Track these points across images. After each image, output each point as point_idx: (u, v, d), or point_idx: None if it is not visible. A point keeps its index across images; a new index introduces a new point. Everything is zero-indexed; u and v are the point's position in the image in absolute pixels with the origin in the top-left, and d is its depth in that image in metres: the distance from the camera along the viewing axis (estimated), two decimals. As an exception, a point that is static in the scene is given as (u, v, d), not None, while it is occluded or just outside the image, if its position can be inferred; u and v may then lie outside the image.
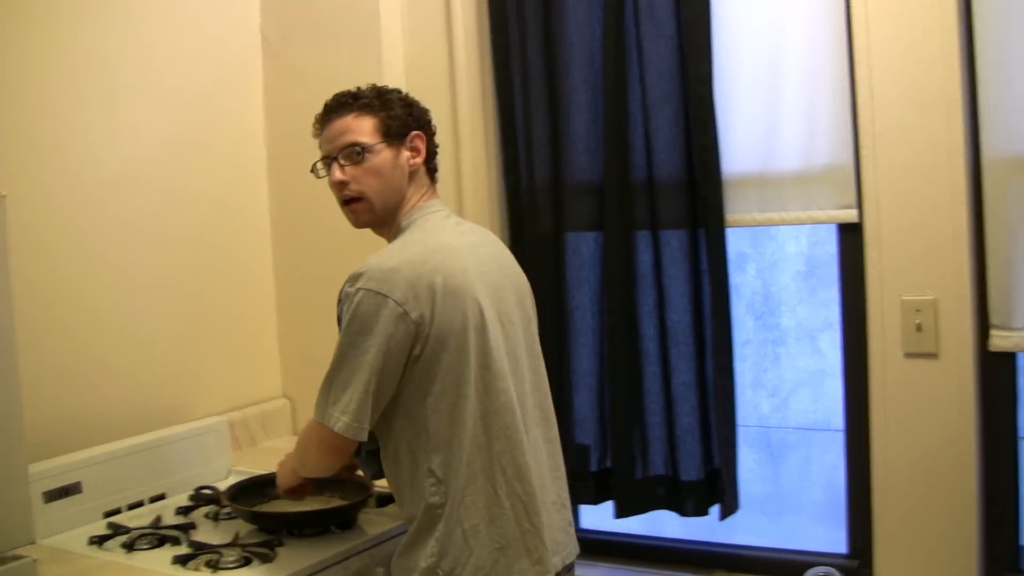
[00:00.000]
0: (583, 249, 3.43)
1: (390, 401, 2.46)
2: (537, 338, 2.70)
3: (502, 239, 3.47)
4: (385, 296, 2.36)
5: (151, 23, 3.47)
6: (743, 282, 5.84)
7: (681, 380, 3.29)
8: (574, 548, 2.65)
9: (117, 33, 3.35)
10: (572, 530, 2.66)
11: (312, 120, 2.69)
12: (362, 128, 2.58)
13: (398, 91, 2.67)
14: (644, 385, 3.32)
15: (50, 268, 3.13)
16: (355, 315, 2.39)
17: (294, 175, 3.30)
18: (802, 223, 3.24)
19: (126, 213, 3.37)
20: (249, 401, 3.73)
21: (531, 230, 3.51)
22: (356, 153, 2.57)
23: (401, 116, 2.61)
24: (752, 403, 5.97)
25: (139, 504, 3.19)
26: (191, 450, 3.37)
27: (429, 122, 2.69)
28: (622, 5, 3.28)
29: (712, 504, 3.31)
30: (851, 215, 3.11)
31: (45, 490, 2.90)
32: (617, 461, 3.36)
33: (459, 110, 3.61)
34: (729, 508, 3.25)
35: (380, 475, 2.67)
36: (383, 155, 2.58)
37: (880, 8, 2.99)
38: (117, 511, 3.11)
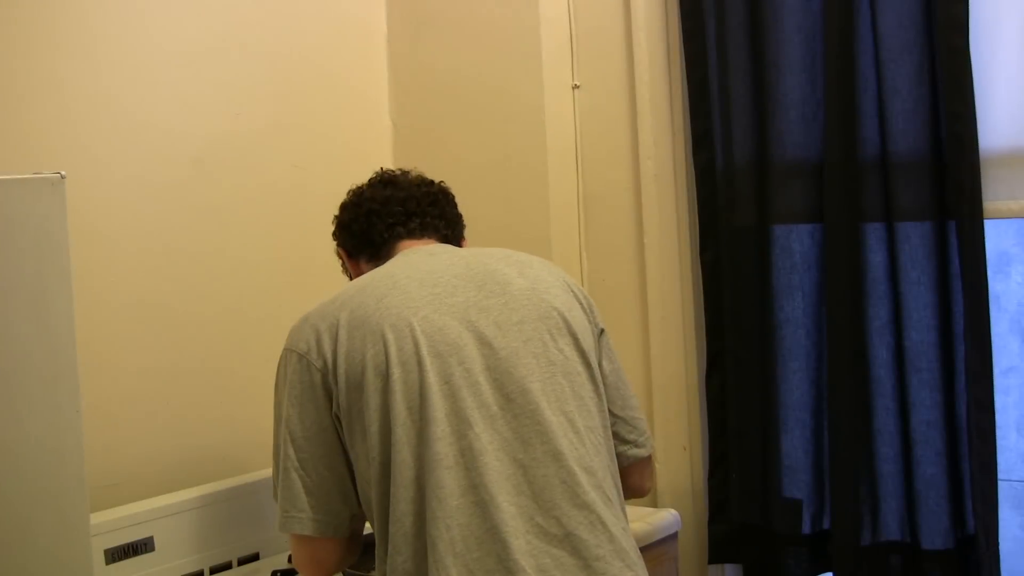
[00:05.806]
0: (795, 247, 3.13)
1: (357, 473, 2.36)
2: (561, 360, 2.34)
3: (690, 231, 3.36)
4: (290, 350, 2.35)
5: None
6: (1006, 291, 5.49)
7: (923, 418, 2.95)
8: None
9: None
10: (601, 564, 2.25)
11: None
12: None
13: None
14: (874, 423, 3.01)
15: (117, 266, 3.01)
16: (275, 385, 2.41)
17: (423, 147, 3.40)
18: (1085, 215, 2.92)
19: (215, 197, 3.24)
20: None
21: (727, 222, 3.22)
22: None
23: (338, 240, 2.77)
24: (1016, 450, 5.65)
25: (226, 567, 3.01)
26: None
27: (336, 218, 2.71)
28: (849, -69, 2.99)
29: (965, 581, 2.95)
30: None
31: (108, 547, 2.76)
32: (838, 521, 3.06)
33: (636, 67, 3.30)
34: (988, 586, 2.90)
35: None
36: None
37: None
38: (199, 575, 2.94)
